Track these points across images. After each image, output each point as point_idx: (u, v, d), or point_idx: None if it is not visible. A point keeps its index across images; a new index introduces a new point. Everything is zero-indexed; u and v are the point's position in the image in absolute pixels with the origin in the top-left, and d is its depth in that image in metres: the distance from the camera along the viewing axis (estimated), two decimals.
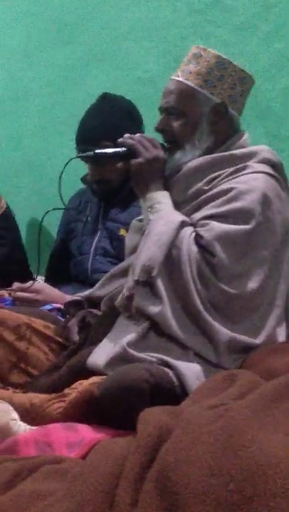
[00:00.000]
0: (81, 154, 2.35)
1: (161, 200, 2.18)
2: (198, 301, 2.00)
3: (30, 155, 3.86)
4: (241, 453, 1.15)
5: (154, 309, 2.02)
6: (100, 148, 2.32)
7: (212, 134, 2.23)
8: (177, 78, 2.23)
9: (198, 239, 2.06)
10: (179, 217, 2.12)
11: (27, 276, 3.22)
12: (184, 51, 2.24)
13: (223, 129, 2.24)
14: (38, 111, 3.79)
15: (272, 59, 2.78)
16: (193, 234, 2.07)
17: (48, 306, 2.64)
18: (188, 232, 2.08)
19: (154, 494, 1.20)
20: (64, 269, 3.08)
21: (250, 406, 1.30)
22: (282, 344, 2.08)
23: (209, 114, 2.21)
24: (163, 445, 1.29)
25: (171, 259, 2.05)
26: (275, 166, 2.20)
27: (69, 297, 2.60)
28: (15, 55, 3.93)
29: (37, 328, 2.34)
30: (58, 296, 2.71)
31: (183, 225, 2.09)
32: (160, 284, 2.03)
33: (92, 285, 2.50)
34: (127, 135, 2.25)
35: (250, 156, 2.19)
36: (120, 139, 2.24)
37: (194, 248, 2.04)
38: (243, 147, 2.24)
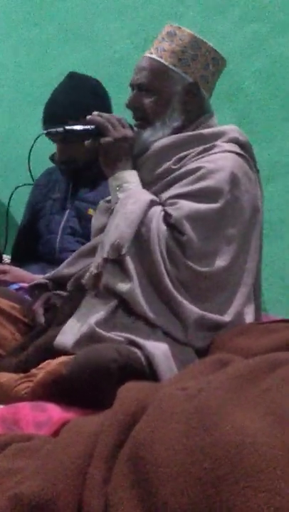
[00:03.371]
0: (51, 130, 2.30)
1: (130, 179, 2.17)
2: (167, 280, 2.01)
3: None
4: (215, 432, 1.15)
5: (123, 287, 2.02)
6: (68, 126, 2.29)
7: (183, 113, 2.21)
8: (151, 55, 2.21)
9: (167, 218, 2.05)
10: (147, 196, 2.11)
11: None
12: (155, 31, 2.22)
13: (194, 108, 2.22)
14: (8, 89, 3.75)
15: (245, 41, 2.78)
16: (162, 213, 2.07)
17: (15, 286, 2.62)
18: (157, 210, 2.07)
19: (127, 473, 1.19)
20: (31, 247, 3.05)
21: (223, 386, 1.30)
22: (250, 325, 2.09)
23: (181, 93, 2.19)
24: (136, 424, 1.28)
25: (140, 238, 2.04)
26: (244, 146, 2.20)
27: (37, 277, 2.58)
28: None
29: (3, 307, 2.31)
30: (26, 276, 2.68)
31: (152, 204, 2.09)
32: (129, 262, 2.03)
33: (59, 264, 2.46)
34: (95, 112, 2.22)
35: (218, 135, 2.19)
36: (89, 116, 2.21)
37: (163, 227, 2.04)
38: (212, 128, 2.23)
